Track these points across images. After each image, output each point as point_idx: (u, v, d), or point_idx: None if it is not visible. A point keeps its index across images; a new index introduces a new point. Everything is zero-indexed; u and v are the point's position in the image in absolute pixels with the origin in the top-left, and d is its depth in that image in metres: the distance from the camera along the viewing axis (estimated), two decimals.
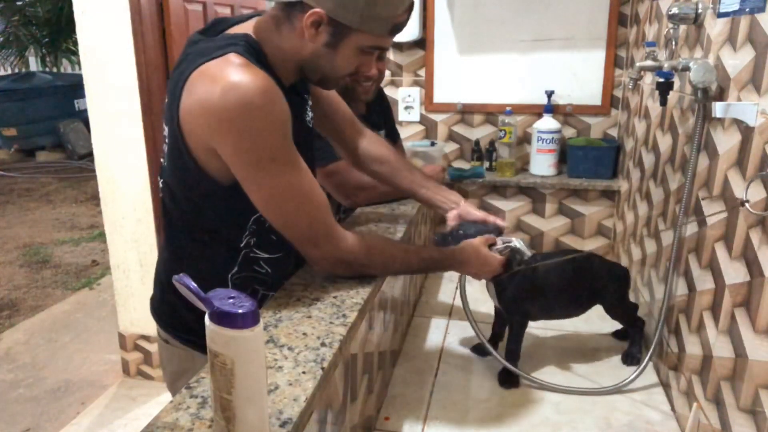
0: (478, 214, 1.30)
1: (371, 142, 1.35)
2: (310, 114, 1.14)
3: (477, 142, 2.42)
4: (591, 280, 1.42)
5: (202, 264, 1.05)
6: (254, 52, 0.93)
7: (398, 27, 0.96)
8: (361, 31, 0.93)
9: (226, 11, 2.71)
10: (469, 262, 1.20)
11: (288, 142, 0.92)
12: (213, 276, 1.05)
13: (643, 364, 1.37)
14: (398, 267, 1.13)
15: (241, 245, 1.04)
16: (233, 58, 0.88)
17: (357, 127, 1.34)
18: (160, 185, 1.07)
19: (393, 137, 1.94)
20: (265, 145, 0.89)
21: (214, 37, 0.96)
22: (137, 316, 2.55)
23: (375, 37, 0.95)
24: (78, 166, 7.26)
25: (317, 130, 1.38)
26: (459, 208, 1.33)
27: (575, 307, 1.45)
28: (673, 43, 1.40)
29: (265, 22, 0.97)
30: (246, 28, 0.98)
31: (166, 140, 0.97)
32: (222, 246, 1.04)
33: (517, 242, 1.25)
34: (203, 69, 0.88)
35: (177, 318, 1.10)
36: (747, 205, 0.96)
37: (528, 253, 1.25)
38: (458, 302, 1.83)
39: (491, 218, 1.29)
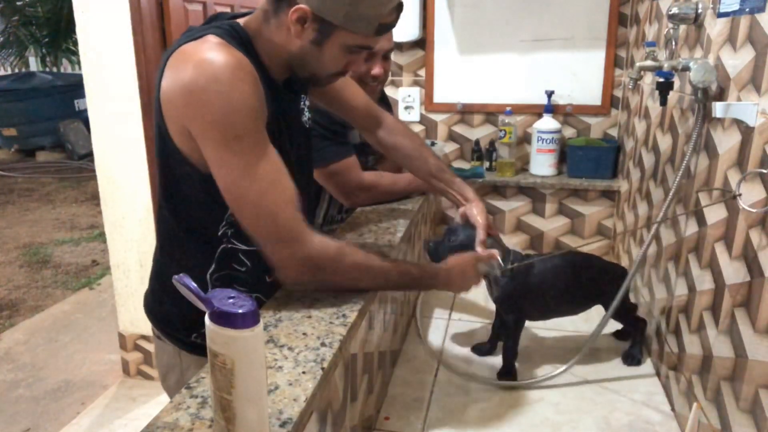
0: (477, 219, 1.30)
1: (388, 130, 1.35)
2: (307, 114, 1.13)
3: (477, 142, 2.42)
4: (589, 280, 1.42)
5: (182, 260, 1.05)
6: (238, 37, 0.93)
7: (385, 27, 0.95)
8: (346, 29, 0.92)
9: (225, 11, 2.71)
10: (451, 283, 1.15)
11: (258, 126, 0.89)
12: (193, 274, 1.03)
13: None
14: (372, 279, 1.01)
15: (219, 234, 1.02)
16: (210, 38, 0.89)
17: (375, 116, 1.34)
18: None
19: None
20: (230, 121, 0.86)
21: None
22: (137, 316, 2.55)
23: (361, 36, 0.94)
24: (78, 166, 7.25)
25: (318, 129, 1.39)
26: (465, 207, 1.34)
27: (573, 306, 1.45)
28: (673, 43, 1.40)
29: (256, 16, 0.97)
30: (239, 20, 0.98)
31: (154, 125, 0.97)
32: (200, 239, 1.03)
33: (498, 272, 1.25)
34: (181, 49, 0.89)
35: (164, 314, 1.11)
36: (740, 199, 0.96)
37: (496, 292, 1.30)
38: (458, 302, 1.83)
39: (482, 232, 1.28)
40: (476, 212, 1.31)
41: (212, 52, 0.85)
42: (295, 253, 0.92)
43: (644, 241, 1.33)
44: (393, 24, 0.96)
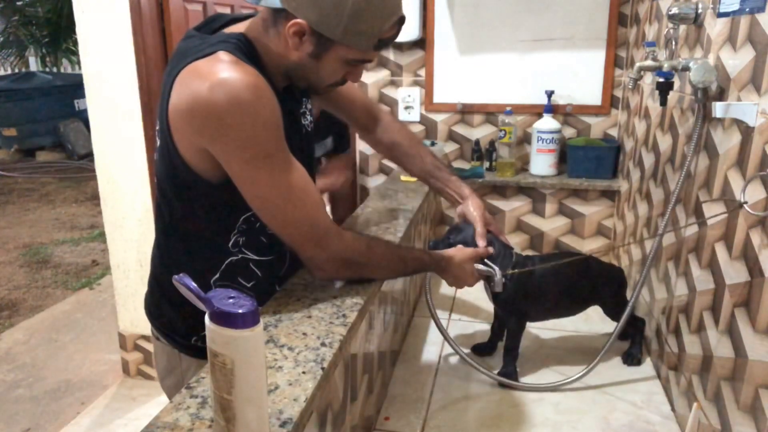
0: (474, 214, 1.31)
1: (385, 129, 1.36)
2: (309, 118, 1.13)
3: (477, 142, 2.42)
4: (587, 282, 1.43)
5: (186, 265, 1.04)
6: (246, 50, 0.92)
7: (385, 42, 0.94)
8: (345, 44, 0.91)
9: (225, 11, 2.71)
10: (448, 271, 1.22)
11: (281, 140, 0.90)
12: (195, 277, 1.04)
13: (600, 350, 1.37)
14: (395, 266, 1.11)
15: (229, 245, 1.02)
16: (222, 55, 0.88)
17: (373, 114, 1.35)
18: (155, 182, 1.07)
19: (343, 146, 2.03)
20: (258, 141, 0.87)
21: (208, 36, 0.95)
22: (137, 316, 2.55)
23: (359, 51, 0.93)
24: (78, 166, 7.25)
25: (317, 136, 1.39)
26: (462, 205, 1.34)
27: (572, 308, 1.46)
28: (673, 43, 1.40)
29: (256, 23, 0.96)
30: (241, 27, 0.97)
31: (158, 136, 0.97)
32: (209, 248, 1.03)
33: (498, 275, 1.27)
34: (192, 67, 0.87)
35: (164, 317, 1.11)
36: (746, 206, 0.96)
37: (498, 289, 1.29)
38: (458, 302, 1.83)
39: (479, 226, 1.30)
40: (472, 208, 1.32)
41: (228, 72, 0.84)
42: (334, 252, 0.98)
43: (648, 245, 1.33)
44: (394, 38, 0.96)
